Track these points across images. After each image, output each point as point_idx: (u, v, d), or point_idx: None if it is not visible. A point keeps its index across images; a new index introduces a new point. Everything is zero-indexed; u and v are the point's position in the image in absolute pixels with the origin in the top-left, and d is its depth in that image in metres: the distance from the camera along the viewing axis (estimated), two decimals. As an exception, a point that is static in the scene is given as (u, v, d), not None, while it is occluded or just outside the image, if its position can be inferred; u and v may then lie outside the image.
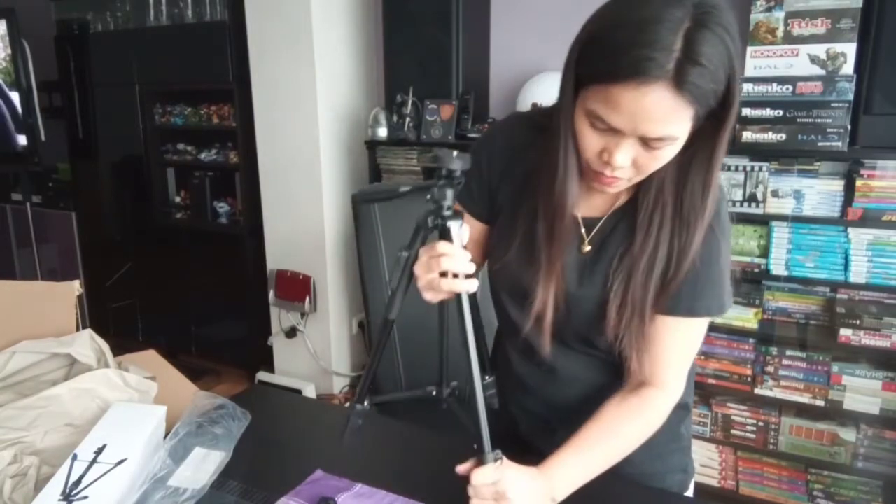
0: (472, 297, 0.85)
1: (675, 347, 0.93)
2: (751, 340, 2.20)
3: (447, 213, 0.81)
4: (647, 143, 0.77)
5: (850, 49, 1.89)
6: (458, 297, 0.81)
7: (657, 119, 0.73)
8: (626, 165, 0.79)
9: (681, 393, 0.97)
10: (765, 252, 2.12)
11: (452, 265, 0.79)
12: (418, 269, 0.82)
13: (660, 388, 0.94)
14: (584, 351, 0.99)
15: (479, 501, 0.83)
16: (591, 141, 0.80)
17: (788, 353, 2.14)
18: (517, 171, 0.96)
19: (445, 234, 0.81)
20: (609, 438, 0.92)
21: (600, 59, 0.75)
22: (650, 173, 0.83)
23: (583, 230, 0.94)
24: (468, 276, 0.81)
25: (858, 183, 1.95)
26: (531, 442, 1.10)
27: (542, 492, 0.86)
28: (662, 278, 0.87)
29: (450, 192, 0.80)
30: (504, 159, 0.98)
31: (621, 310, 0.89)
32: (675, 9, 0.71)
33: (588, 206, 0.94)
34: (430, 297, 0.83)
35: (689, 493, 1.14)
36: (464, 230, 0.82)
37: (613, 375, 0.98)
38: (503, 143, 0.99)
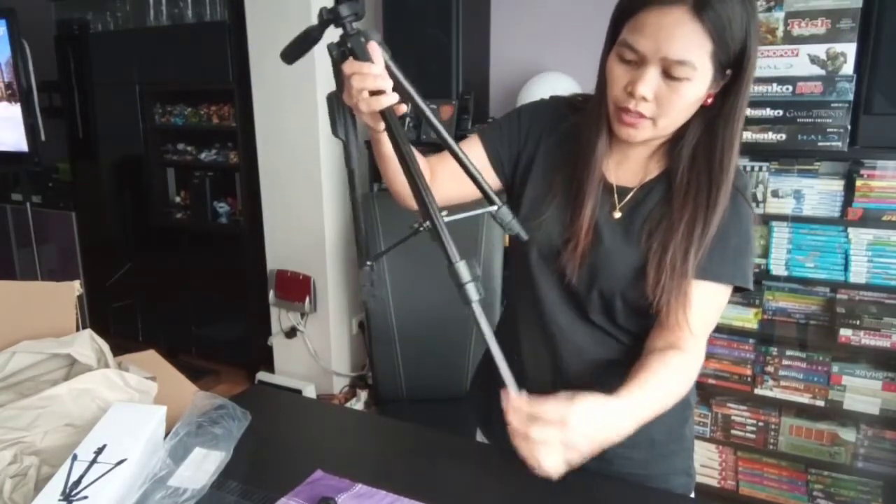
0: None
1: (699, 314, 0.94)
2: (751, 340, 2.20)
3: (351, 31, 0.84)
4: (668, 72, 0.84)
5: (850, 49, 1.89)
6: (471, 311, 0.77)
7: (677, 38, 0.81)
8: (649, 96, 0.85)
9: (702, 362, 0.97)
10: (765, 252, 2.12)
11: (364, 83, 0.83)
12: (345, 97, 0.87)
13: (687, 352, 0.93)
14: (602, 325, 1.00)
15: (540, 431, 0.78)
16: (618, 75, 0.88)
17: (788, 353, 2.14)
18: (552, 140, 1.03)
19: (354, 55, 0.83)
20: (657, 388, 0.89)
21: (632, 1, 0.86)
22: (677, 134, 0.92)
23: (615, 197, 0.99)
24: (380, 93, 0.84)
25: (858, 183, 1.95)
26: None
27: (609, 425, 0.82)
28: (700, 241, 0.91)
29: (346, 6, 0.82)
30: (545, 124, 1.04)
31: (660, 270, 0.91)
32: None
33: (621, 175, 1.00)
34: (367, 119, 0.88)
35: (692, 496, 1.14)
36: (378, 49, 0.85)
37: (624, 356, 0.99)
38: (548, 111, 1.05)
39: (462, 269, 0.76)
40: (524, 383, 0.90)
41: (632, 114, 0.88)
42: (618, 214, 0.98)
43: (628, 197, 0.99)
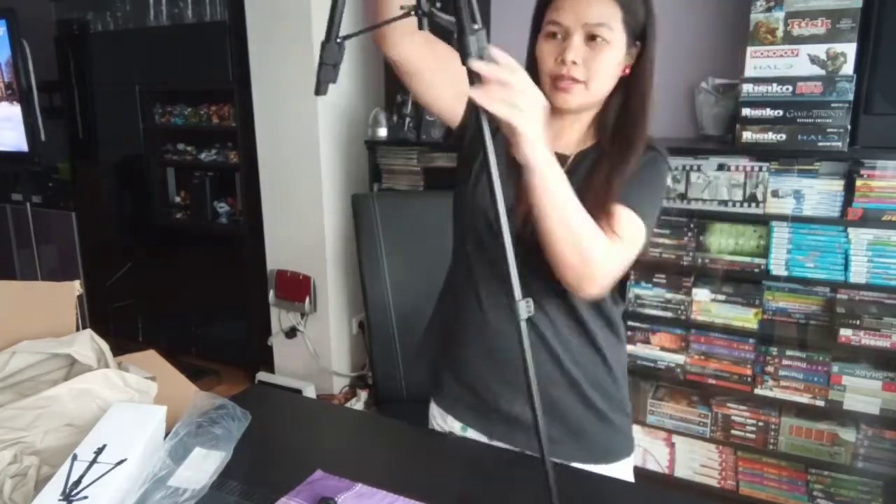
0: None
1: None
2: (751, 340, 2.20)
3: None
4: (591, 36, 0.98)
5: (850, 49, 1.89)
6: (517, 327, 0.77)
7: (594, 7, 0.97)
8: (579, 60, 0.98)
9: (620, 262, 0.98)
10: (765, 252, 2.12)
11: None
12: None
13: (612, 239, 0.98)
14: (543, 291, 1.02)
15: (496, 84, 0.76)
16: (548, 51, 1.01)
17: (788, 353, 2.14)
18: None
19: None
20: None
21: None
22: (604, 104, 1.05)
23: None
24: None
25: (858, 183, 1.95)
26: (477, 391, 1.13)
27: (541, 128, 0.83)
28: (619, 172, 1.02)
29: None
30: None
31: (587, 198, 0.95)
32: None
33: (559, 146, 1.07)
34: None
35: (631, 459, 1.16)
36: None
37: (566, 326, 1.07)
38: None
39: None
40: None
41: (565, 79, 0.99)
42: None
43: (567, 165, 1.07)
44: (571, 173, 1.02)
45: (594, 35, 0.98)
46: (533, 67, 1.03)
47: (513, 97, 0.77)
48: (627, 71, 1.05)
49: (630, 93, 1.06)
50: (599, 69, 1.00)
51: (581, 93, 1.01)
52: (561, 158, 1.03)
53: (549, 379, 1.07)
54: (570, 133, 1.10)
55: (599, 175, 1.03)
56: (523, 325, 0.76)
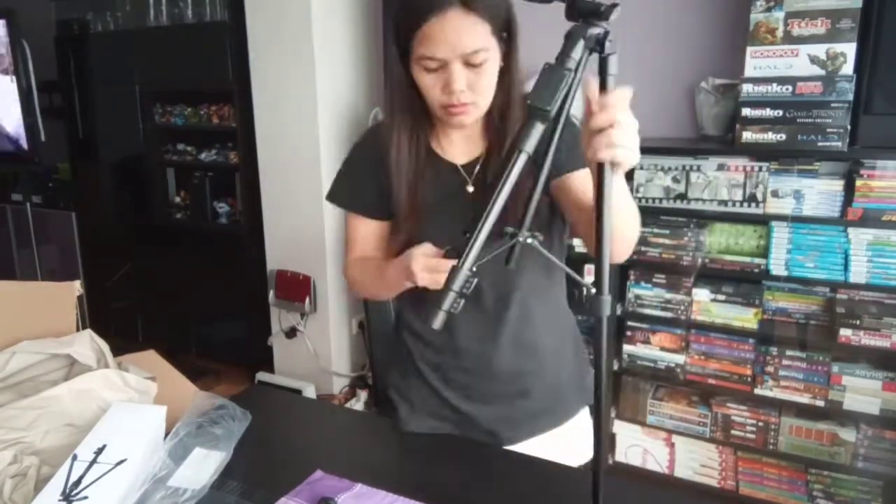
0: None
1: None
2: (751, 340, 2.20)
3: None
4: (469, 63, 0.97)
5: (850, 49, 1.89)
6: (597, 322, 0.82)
7: (463, 35, 0.94)
8: (465, 88, 0.98)
9: None
10: (765, 252, 2.12)
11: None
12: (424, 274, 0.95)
13: None
14: (528, 280, 1.12)
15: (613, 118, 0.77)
16: (430, 83, 1.00)
17: (788, 353, 2.14)
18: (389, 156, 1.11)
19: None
20: None
21: (409, 16, 0.97)
22: (489, 106, 1.03)
23: (463, 175, 1.11)
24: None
25: (858, 183, 1.95)
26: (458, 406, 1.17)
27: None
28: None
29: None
30: (381, 146, 1.12)
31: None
32: None
33: (463, 153, 1.12)
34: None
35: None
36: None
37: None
38: (372, 136, 1.17)
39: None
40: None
41: (457, 106, 1.00)
42: (471, 189, 1.10)
43: (476, 171, 1.10)
44: (482, 181, 1.08)
45: (472, 61, 0.97)
46: (403, 82, 1.04)
47: (626, 136, 0.75)
48: (503, 63, 1.03)
49: (509, 82, 1.05)
50: (485, 86, 1.00)
51: (473, 111, 1.02)
52: (467, 168, 1.11)
53: (546, 348, 1.17)
54: (466, 139, 1.12)
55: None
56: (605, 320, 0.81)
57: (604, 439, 0.83)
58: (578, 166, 1.03)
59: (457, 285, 0.74)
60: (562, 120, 0.77)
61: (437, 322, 0.76)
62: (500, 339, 1.13)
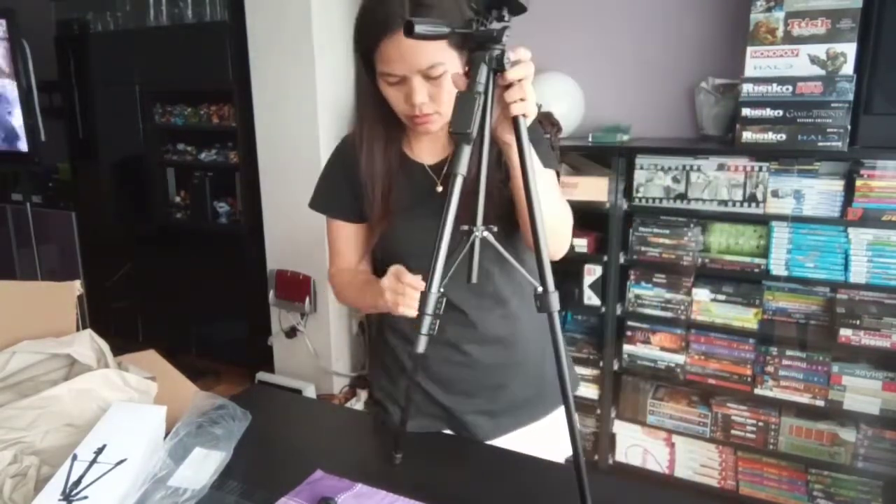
0: None
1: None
2: (751, 340, 2.20)
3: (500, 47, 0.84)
4: (428, 76, 0.98)
5: (850, 49, 1.89)
6: (550, 318, 0.86)
7: (419, 54, 0.96)
8: (426, 101, 1.00)
9: None
10: (765, 252, 2.12)
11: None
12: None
13: None
14: (503, 278, 1.14)
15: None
16: (394, 95, 1.03)
17: (788, 353, 2.14)
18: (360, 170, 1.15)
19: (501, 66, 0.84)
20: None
21: (366, 36, 1.00)
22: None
23: (433, 175, 1.13)
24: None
25: (858, 183, 1.95)
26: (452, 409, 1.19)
27: None
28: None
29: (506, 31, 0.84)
30: (353, 155, 1.15)
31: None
32: None
33: (431, 154, 1.15)
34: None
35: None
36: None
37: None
38: (346, 146, 1.18)
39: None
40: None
41: (420, 117, 1.02)
42: (439, 188, 1.13)
43: (444, 171, 1.12)
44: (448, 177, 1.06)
45: (431, 75, 0.98)
46: (370, 91, 1.06)
47: (528, 90, 0.84)
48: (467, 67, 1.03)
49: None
50: (446, 96, 1.00)
51: (437, 120, 1.04)
52: (435, 169, 1.14)
53: (525, 339, 1.19)
54: (435, 141, 1.15)
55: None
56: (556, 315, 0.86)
57: (578, 438, 0.87)
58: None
59: (429, 308, 0.85)
60: (486, 132, 0.86)
61: (420, 346, 0.87)
62: (478, 331, 1.15)
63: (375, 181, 1.12)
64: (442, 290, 0.86)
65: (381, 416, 1.25)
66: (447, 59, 0.98)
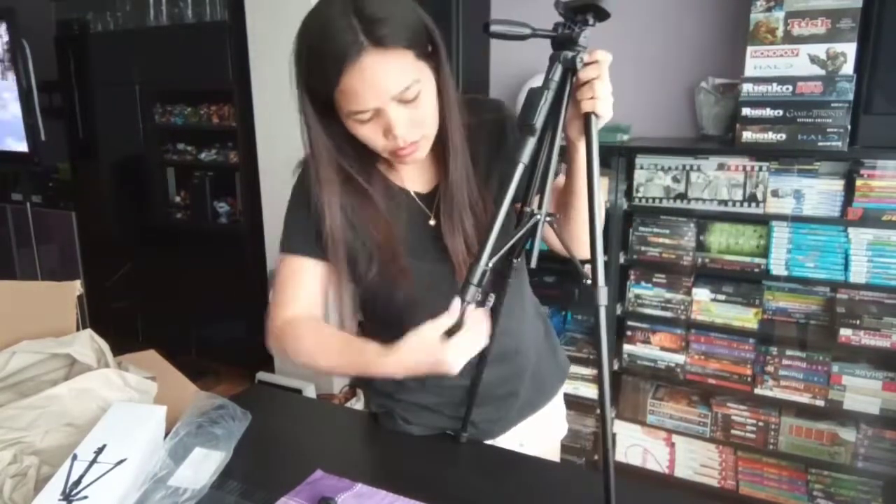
0: None
1: None
2: (751, 340, 2.20)
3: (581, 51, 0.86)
4: (404, 101, 0.87)
5: (850, 49, 1.89)
6: (596, 312, 0.85)
7: (389, 78, 0.85)
8: (408, 128, 0.89)
9: None
10: (765, 252, 2.12)
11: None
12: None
13: None
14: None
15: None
16: (370, 133, 0.91)
17: (788, 353, 2.14)
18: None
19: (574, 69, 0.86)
20: None
21: (323, 74, 0.86)
22: (435, 131, 0.95)
23: (422, 205, 1.04)
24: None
25: (858, 183, 1.95)
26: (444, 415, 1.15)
27: None
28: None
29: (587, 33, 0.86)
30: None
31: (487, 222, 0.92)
32: (332, 4, 0.86)
33: (419, 182, 1.05)
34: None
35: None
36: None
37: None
38: (307, 178, 1.03)
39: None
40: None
41: (405, 148, 0.91)
42: (432, 222, 1.03)
43: (436, 200, 1.03)
44: (444, 208, 1.00)
45: (406, 98, 0.87)
46: (326, 137, 0.95)
47: (606, 90, 0.87)
48: (435, 77, 0.94)
49: (444, 97, 0.95)
50: (428, 117, 0.92)
51: (425, 145, 0.94)
52: (425, 198, 1.04)
53: (526, 346, 1.16)
54: (420, 168, 1.05)
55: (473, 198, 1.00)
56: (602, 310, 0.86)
57: (608, 436, 0.85)
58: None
59: (476, 279, 0.83)
60: (559, 125, 0.87)
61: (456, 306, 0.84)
62: (482, 356, 1.05)
63: (377, 222, 1.00)
64: (490, 265, 0.84)
65: (382, 422, 1.20)
66: (421, 77, 0.88)
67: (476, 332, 0.84)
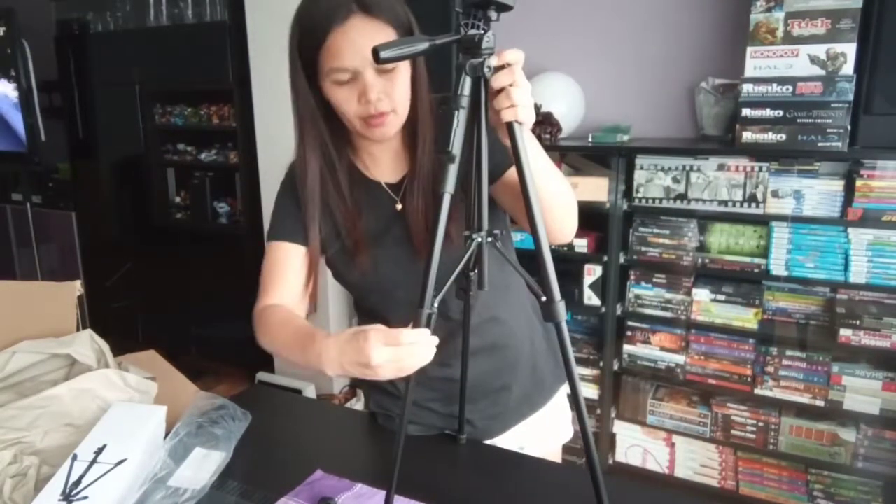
0: None
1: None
2: (751, 340, 2.20)
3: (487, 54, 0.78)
4: (381, 71, 0.94)
5: (850, 49, 1.89)
6: (557, 328, 0.81)
7: (371, 42, 0.85)
8: (382, 97, 0.95)
9: None
10: (765, 252, 2.12)
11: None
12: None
13: None
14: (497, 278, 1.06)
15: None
16: (345, 97, 0.97)
17: (788, 353, 2.14)
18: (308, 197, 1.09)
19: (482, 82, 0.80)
20: None
21: (311, 34, 0.95)
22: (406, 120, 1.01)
23: (391, 193, 1.09)
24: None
25: (858, 183, 1.95)
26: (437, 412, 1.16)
27: None
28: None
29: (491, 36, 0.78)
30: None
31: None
32: None
33: (390, 172, 1.10)
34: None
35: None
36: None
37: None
38: (293, 180, 1.13)
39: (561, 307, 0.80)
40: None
41: (376, 117, 0.97)
42: (399, 206, 1.08)
43: (403, 189, 1.08)
44: (408, 194, 1.06)
45: (384, 67, 0.94)
46: (312, 104, 1.01)
47: (524, 95, 0.79)
48: (411, 72, 1.02)
49: (416, 95, 1.02)
50: (401, 93, 0.98)
51: (394, 121, 1.00)
52: (394, 187, 1.09)
53: (518, 341, 1.17)
54: (393, 161, 1.10)
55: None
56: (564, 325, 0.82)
57: (591, 439, 0.84)
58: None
59: (423, 323, 0.81)
60: (483, 139, 0.82)
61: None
62: (471, 345, 1.07)
63: (342, 198, 1.06)
64: (436, 306, 0.80)
65: (380, 421, 1.22)
66: None
67: (415, 350, 0.80)
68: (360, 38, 0.92)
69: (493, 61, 0.78)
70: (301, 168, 1.08)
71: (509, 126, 0.80)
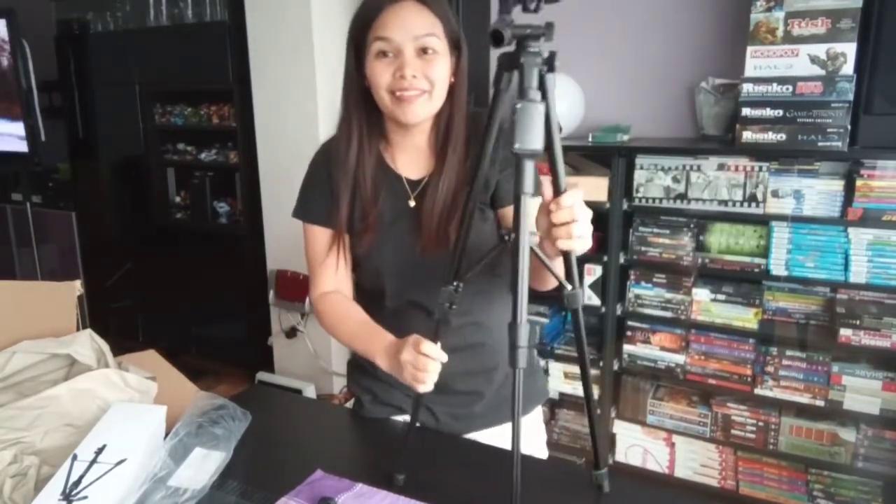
0: None
1: None
2: (751, 340, 2.20)
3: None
4: (420, 51, 1.02)
5: (850, 49, 1.89)
6: (574, 315, 0.88)
7: (417, 20, 1.01)
8: (418, 73, 1.01)
9: None
10: (765, 252, 2.12)
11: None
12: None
13: None
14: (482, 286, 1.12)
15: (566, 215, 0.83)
16: (383, 69, 1.03)
17: (788, 353, 2.14)
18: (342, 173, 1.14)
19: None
20: None
21: (367, 11, 1.03)
22: (436, 119, 1.09)
23: (408, 189, 1.13)
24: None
25: (858, 183, 1.95)
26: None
27: None
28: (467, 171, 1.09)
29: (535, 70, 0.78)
30: (329, 162, 1.17)
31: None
32: None
33: (411, 169, 1.14)
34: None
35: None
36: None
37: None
38: (325, 152, 1.20)
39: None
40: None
41: (409, 91, 1.02)
42: (412, 203, 1.13)
43: (420, 186, 1.13)
44: (422, 195, 1.11)
45: (425, 48, 1.02)
46: (358, 86, 1.08)
47: (584, 228, 0.84)
48: (453, 79, 1.08)
49: (454, 101, 1.09)
50: (437, 77, 1.04)
51: (425, 103, 1.04)
52: (412, 184, 1.13)
53: (496, 346, 1.19)
54: (416, 154, 1.14)
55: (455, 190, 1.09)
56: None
57: (601, 436, 0.85)
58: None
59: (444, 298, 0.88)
60: (486, 156, 0.86)
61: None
62: (450, 343, 1.05)
63: (366, 181, 1.11)
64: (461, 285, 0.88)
65: (356, 408, 1.26)
66: (442, 41, 1.02)
67: (421, 362, 0.92)
68: (409, 17, 1.00)
69: (553, 206, 0.83)
70: (343, 144, 1.12)
71: (565, 253, 0.86)
